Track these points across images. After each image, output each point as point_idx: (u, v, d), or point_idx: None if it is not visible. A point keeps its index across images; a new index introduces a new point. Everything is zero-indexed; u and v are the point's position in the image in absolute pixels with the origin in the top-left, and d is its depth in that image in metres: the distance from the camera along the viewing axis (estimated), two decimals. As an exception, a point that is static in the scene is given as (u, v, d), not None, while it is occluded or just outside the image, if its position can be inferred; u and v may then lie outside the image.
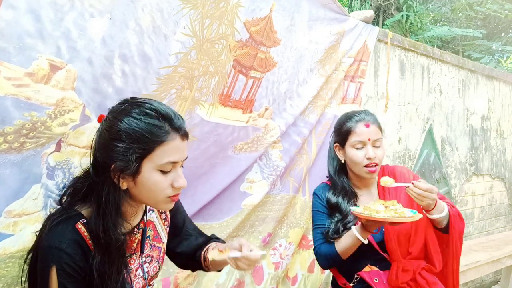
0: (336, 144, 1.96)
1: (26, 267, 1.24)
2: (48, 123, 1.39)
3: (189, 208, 2.03)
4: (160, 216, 1.51)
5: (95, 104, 1.50)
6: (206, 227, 2.17)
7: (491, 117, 4.95)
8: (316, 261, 2.76)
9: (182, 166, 1.28)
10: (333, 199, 1.91)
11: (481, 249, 4.09)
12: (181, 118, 1.26)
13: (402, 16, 9.91)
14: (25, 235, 1.40)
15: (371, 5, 10.22)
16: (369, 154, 1.83)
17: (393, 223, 1.66)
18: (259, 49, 2.17)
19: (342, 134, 1.91)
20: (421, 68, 3.96)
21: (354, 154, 1.86)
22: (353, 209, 1.72)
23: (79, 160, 1.50)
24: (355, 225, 1.81)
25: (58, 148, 1.45)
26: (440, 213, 1.79)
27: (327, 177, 2.07)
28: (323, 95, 2.67)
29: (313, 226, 1.96)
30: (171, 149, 1.20)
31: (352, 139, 1.86)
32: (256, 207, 2.37)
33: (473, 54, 10.58)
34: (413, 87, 3.87)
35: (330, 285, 2.15)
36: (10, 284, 1.40)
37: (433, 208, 1.78)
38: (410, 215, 1.64)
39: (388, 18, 10.27)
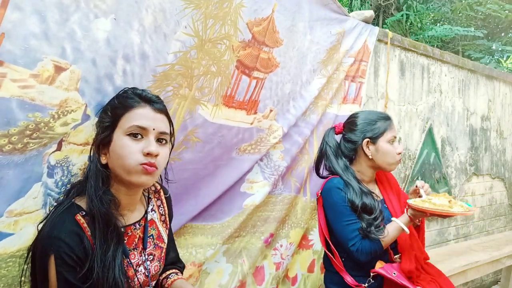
0: (368, 139, 2.08)
1: (30, 254, 1.28)
2: (51, 123, 1.39)
3: (192, 210, 2.04)
4: (160, 218, 1.54)
5: (95, 103, 1.49)
6: (207, 227, 2.17)
7: (491, 117, 4.95)
8: (316, 261, 2.80)
9: (161, 142, 1.34)
10: (358, 200, 1.97)
11: (481, 249, 4.09)
12: (157, 97, 1.38)
13: (402, 16, 9.91)
14: (25, 234, 1.39)
15: (371, 5, 10.21)
16: (400, 149, 2.07)
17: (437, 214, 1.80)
18: (262, 49, 2.17)
19: (378, 130, 2.07)
20: (421, 68, 3.96)
21: (391, 149, 2.04)
22: (413, 202, 1.85)
23: (77, 157, 1.50)
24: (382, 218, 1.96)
25: (59, 148, 1.45)
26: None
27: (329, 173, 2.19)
28: (324, 95, 2.67)
29: (341, 222, 1.98)
30: (139, 114, 1.29)
31: (389, 135, 2.05)
32: (258, 207, 2.36)
33: (473, 54, 10.58)
34: (413, 87, 3.87)
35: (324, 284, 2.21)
36: (11, 284, 1.39)
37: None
38: (467, 208, 1.81)
39: (388, 18, 10.27)
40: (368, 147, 2.07)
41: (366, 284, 1.97)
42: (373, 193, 2.06)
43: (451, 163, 4.38)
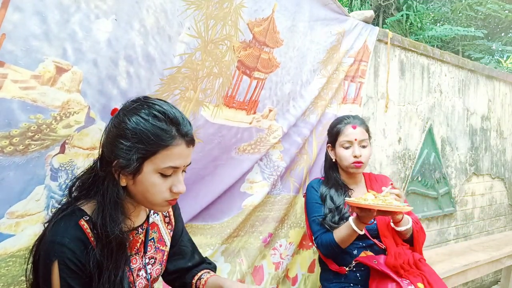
0: (329, 144, 2.23)
1: (31, 259, 1.25)
2: (53, 125, 1.39)
3: (191, 210, 2.04)
4: (164, 219, 1.52)
5: (100, 106, 1.49)
6: (207, 227, 2.17)
7: (491, 117, 4.95)
8: (316, 261, 2.80)
9: (184, 171, 1.29)
10: (325, 191, 2.14)
11: (481, 249, 4.09)
12: (189, 124, 1.27)
13: (402, 16, 9.91)
14: (26, 235, 1.40)
15: (371, 5, 10.22)
16: (355, 152, 2.09)
17: (381, 212, 1.79)
18: (263, 49, 2.17)
19: (333, 135, 2.18)
20: (421, 68, 3.96)
21: (343, 153, 2.12)
22: (347, 198, 1.90)
23: (83, 161, 1.50)
24: (350, 216, 1.99)
25: (62, 150, 1.44)
26: (407, 225, 2.00)
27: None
28: (324, 95, 2.67)
29: (310, 217, 2.15)
30: (175, 154, 1.20)
31: (340, 139, 2.14)
32: (256, 207, 2.37)
33: (473, 54, 10.59)
34: (413, 87, 3.87)
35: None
36: (11, 283, 1.40)
37: (401, 220, 1.99)
38: (396, 205, 1.77)
39: (388, 18, 10.27)
40: (331, 151, 2.21)
41: (347, 269, 2.06)
42: (350, 190, 2.17)
43: (451, 163, 4.38)
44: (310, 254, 2.82)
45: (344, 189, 2.16)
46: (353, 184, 2.22)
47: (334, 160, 2.19)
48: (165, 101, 1.27)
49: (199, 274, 1.56)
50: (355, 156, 2.09)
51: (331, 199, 2.11)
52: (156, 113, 1.20)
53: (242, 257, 2.36)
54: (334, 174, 2.21)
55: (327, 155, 2.27)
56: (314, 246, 2.29)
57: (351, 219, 1.91)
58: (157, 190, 1.21)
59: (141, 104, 1.23)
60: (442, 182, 4.22)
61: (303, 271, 2.79)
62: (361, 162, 2.10)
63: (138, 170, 1.19)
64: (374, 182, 2.27)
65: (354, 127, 2.12)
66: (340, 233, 1.96)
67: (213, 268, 1.64)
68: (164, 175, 1.21)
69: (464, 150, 4.56)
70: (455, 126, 4.40)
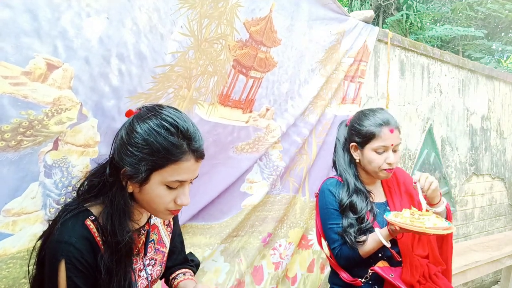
0: (353, 144, 1.95)
1: (35, 254, 1.26)
2: (45, 121, 1.40)
3: (190, 209, 2.04)
4: (163, 222, 1.53)
5: (92, 103, 1.51)
6: (206, 227, 2.17)
7: (491, 117, 4.94)
8: (315, 261, 2.79)
9: (191, 182, 1.28)
10: (346, 199, 1.89)
11: (481, 249, 4.08)
12: (201, 138, 1.26)
13: (402, 15, 9.91)
14: (25, 236, 1.41)
15: (371, 5, 10.23)
16: (390, 159, 1.85)
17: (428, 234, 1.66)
18: (259, 49, 2.16)
19: (363, 136, 1.90)
20: (421, 68, 3.95)
21: (375, 159, 1.87)
22: (393, 220, 1.68)
23: (77, 159, 1.51)
24: (372, 226, 1.84)
25: (55, 147, 1.45)
26: (442, 205, 1.86)
27: (335, 172, 2.08)
28: (323, 95, 2.67)
29: (326, 224, 1.93)
30: (183, 169, 1.20)
31: (375, 144, 1.86)
32: (256, 207, 2.37)
33: (473, 54, 10.59)
34: (413, 87, 3.86)
35: (328, 283, 2.12)
36: (12, 285, 1.40)
37: (440, 200, 1.84)
38: (444, 226, 1.64)
39: (388, 18, 10.28)
40: (355, 151, 1.96)
41: (363, 280, 1.89)
42: (371, 194, 1.95)
43: (451, 163, 4.37)
44: (310, 254, 2.81)
45: (365, 194, 1.92)
46: (371, 184, 2.01)
47: (358, 160, 1.95)
48: (179, 112, 1.26)
49: (177, 272, 1.59)
50: (389, 163, 1.85)
51: (353, 208, 1.87)
52: (168, 126, 1.19)
53: (241, 257, 2.36)
54: (354, 175, 1.97)
55: (344, 151, 2.04)
56: (323, 251, 2.13)
57: (379, 233, 1.77)
58: (162, 201, 1.22)
59: (155, 114, 1.22)
60: (442, 182, 4.21)
61: (302, 271, 2.79)
62: (393, 169, 1.88)
63: (145, 180, 1.19)
64: (392, 180, 2.06)
65: (391, 131, 1.87)
66: (366, 247, 1.81)
67: (194, 265, 1.67)
68: (170, 187, 1.22)
69: (464, 150, 4.55)
70: (455, 126, 4.39)
